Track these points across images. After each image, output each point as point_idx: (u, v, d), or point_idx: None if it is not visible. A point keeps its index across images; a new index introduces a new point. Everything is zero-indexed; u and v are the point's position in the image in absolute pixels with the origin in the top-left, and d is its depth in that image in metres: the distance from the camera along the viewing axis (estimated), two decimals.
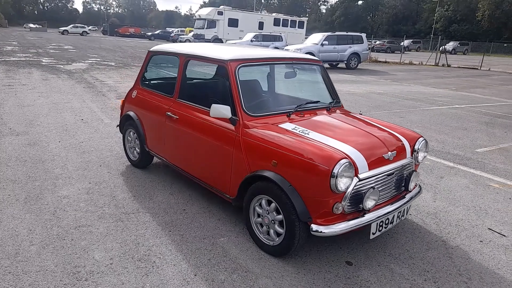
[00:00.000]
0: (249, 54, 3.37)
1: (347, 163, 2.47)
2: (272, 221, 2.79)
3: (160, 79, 4.56)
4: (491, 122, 8.21)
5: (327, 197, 2.50)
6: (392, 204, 2.86)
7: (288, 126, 2.98)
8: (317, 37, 19.88)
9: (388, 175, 2.83)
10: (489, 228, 3.47)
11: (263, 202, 2.83)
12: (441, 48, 28.03)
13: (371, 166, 2.68)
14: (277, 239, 2.79)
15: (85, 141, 5.40)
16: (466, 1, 55.42)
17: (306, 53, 18.69)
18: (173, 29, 58.77)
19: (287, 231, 2.66)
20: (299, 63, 3.69)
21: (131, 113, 4.34)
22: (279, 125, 2.99)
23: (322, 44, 19.05)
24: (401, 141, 3.05)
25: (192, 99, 3.57)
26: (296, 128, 2.92)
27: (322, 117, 3.31)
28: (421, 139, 3.18)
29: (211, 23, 33.10)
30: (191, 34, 45.04)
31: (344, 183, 2.48)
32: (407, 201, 2.98)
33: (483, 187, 4.45)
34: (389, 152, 2.84)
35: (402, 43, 37.66)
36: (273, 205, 2.75)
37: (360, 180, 2.59)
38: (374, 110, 8.85)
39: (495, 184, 4.57)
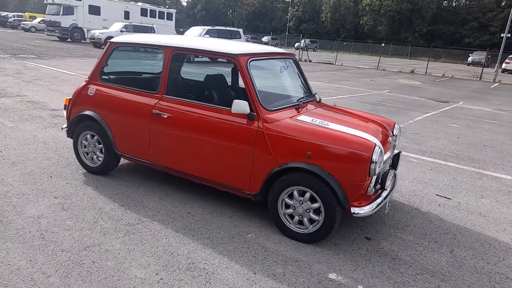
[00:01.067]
0: (253, 48, 3.37)
1: (380, 149, 2.79)
2: (307, 210, 2.92)
3: (131, 74, 4.11)
4: (374, 109, 9.70)
5: (364, 181, 2.78)
6: None
7: (305, 118, 3.13)
8: (197, 31, 19.86)
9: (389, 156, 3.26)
10: (436, 195, 4.26)
11: (295, 193, 2.94)
12: (302, 45, 31.06)
13: (385, 150, 3.06)
14: (311, 226, 2.95)
15: (3, 150, 4.47)
16: (312, 3, 62.34)
17: None
18: (7, 13, 49.57)
19: (327, 217, 2.85)
20: (286, 58, 3.83)
21: (90, 113, 3.81)
22: (298, 118, 3.12)
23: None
24: (386, 127, 3.53)
25: (187, 95, 3.39)
26: (314, 120, 3.10)
27: (321, 110, 3.56)
28: (396, 125, 3.72)
29: (68, 9, 29.52)
30: (38, 20, 39.25)
31: (378, 167, 2.79)
32: (396, 179, 3.49)
33: (408, 163, 5.36)
34: (389, 137, 3.27)
35: (263, 39, 40.48)
36: (307, 194, 2.89)
37: (384, 163, 2.94)
38: None
39: (414, 160, 5.55)
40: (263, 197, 3.09)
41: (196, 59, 11.38)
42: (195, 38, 3.69)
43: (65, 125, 4.16)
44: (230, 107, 3.10)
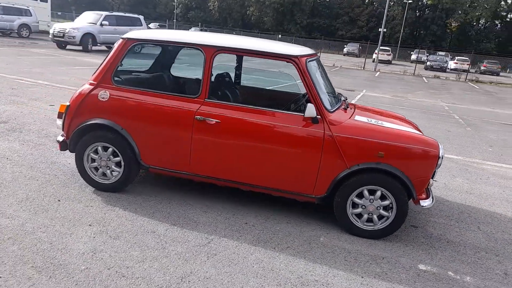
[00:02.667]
0: (303, 49, 3.30)
1: (442, 146, 3.06)
2: (378, 207, 3.05)
3: (156, 76, 3.57)
4: None
5: (430, 175, 3.03)
6: None
7: (362, 118, 3.23)
8: (92, 17, 17.92)
9: None
10: None
11: (365, 192, 3.03)
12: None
13: None
14: (380, 223, 3.09)
15: None
16: None
17: (85, 33, 16.76)
18: None
19: (398, 213, 3.02)
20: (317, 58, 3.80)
21: (104, 122, 3.27)
22: (355, 119, 3.20)
23: (101, 24, 17.40)
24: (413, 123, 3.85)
25: (236, 99, 3.17)
26: (370, 120, 3.22)
27: (362, 109, 3.68)
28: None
29: None
30: None
31: (441, 162, 3.06)
32: None
33: None
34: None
35: (149, 25, 38.53)
36: (378, 193, 3.01)
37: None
38: None
39: None
40: (329, 199, 3.11)
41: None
42: (239, 37, 3.41)
43: (60, 137, 3.48)
44: (285, 110, 3.05)
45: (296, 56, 3.04)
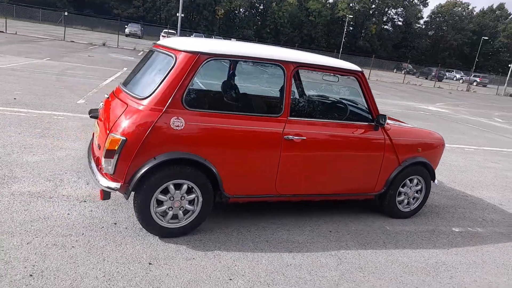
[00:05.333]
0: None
1: None
2: (416, 192, 3.81)
3: (232, 94, 2.96)
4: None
5: (439, 160, 4.00)
6: None
7: (392, 122, 3.87)
8: None
9: None
10: None
11: (407, 182, 3.73)
12: None
13: None
14: (413, 203, 3.86)
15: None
16: None
17: None
18: None
19: (426, 194, 3.87)
20: None
21: (184, 155, 2.72)
22: (390, 122, 3.79)
23: None
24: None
25: (314, 114, 3.23)
26: (396, 123, 3.90)
27: None
28: None
29: None
30: None
31: None
32: None
33: None
34: None
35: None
36: (415, 181, 3.78)
37: None
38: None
39: None
40: (384, 193, 3.64)
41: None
42: (310, 53, 3.29)
43: (114, 183, 2.62)
44: (356, 121, 3.40)
45: (359, 71, 3.36)
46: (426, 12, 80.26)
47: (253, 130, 2.93)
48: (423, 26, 65.59)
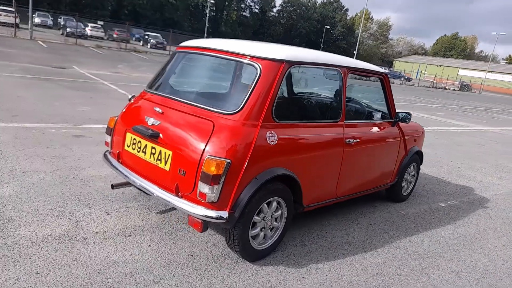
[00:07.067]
0: None
1: None
2: (412, 176, 4.33)
3: (301, 102, 2.70)
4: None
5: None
6: None
7: None
8: None
9: None
10: None
11: (410, 169, 4.22)
12: None
13: None
14: (410, 187, 4.38)
15: None
16: None
17: None
18: None
19: (417, 174, 4.43)
20: None
21: (280, 171, 2.55)
22: None
23: None
24: None
25: (357, 116, 3.36)
26: None
27: None
28: None
29: None
30: None
31: None
32: None
33: None
34: None
35: None
36: (411, 167, 4.28)
37: None
38: None
39: None
40: (397, 181, 4.03)
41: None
42: (347, 57, 3.25)
43: (219, 212, 2.28)
44: (381, 120, 3.69)
45: (386, 73, 3.60)
46: (278, 1, 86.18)
47: (324, 137, 2.91)
48: (277, 15, 70.60)
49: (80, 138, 4.87)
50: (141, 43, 36.23)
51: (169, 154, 2.48)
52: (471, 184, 5.51)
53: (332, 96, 3.32)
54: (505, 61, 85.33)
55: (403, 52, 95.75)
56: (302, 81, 3.98)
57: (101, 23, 35.73)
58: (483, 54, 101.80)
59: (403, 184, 4.21)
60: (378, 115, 3.80)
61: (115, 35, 35.66)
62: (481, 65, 71.30)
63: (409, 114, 3.70)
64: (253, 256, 2.61)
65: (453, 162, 6.74)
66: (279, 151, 2.53)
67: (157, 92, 2.86)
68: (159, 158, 2.54)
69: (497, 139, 10.46)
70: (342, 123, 3.10)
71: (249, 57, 2.57)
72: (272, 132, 2.50)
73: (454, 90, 44.24)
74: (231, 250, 2.67)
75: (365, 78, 3.93)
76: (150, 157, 2.60)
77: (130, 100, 3.13)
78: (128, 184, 3.07)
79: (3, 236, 2.50)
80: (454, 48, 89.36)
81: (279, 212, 2.70)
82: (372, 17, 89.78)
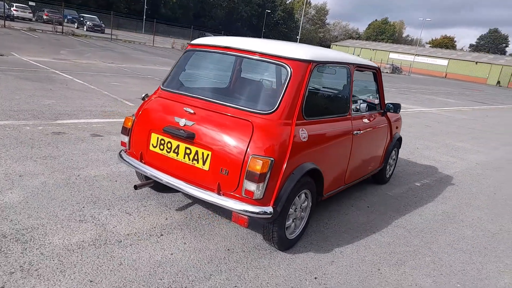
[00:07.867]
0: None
1: None
2: (392, 160, 4.73)
3: (321, 100, 2.82)
4: None
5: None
6: None
7: None
8: None
9: None
10: None
11: (393, 153, 4.61)
12: None
13: None
14: (392, 169, 4.79)
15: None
16: None
17: None
18: None
19: (397, 156, 4.85)
20: None
21: (311, 165, 2.72)
22: None
23: None
24: None
25: (357, 109, 3.61)
26: None
27: None
28: None
29: None
30: None
31: None
32: None
33: None
34: None
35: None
36: (393, 152, 4.68)
37: None
38: None
39: None
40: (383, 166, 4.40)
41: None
42: (351, 55, 3.42)
43: (264, 208, 2.41)
44: (374, 110, 3.99)
45: (378, 67, 3.88)
46: None
47: (338, 131, 3.12)
48: None
49: (61, 136, 4.62)
50: (75, 25, 33.66)
51: (207, 154, 2.53)
52: (433, 163, 6.11)
53: (342, 92, 3.53)
54: (429, 45, 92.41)
55: (339, 37, 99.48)
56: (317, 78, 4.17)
57: (33, 3, 32.59)
58: (409, 39, 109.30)
59: (387, 168, 4.59)
60: (372, 106, 4.10)
61: (45, 17, 32.77)
62: (408, 48, 76.56)
63: (399, 104, 4.04)
64: (287, 245, 2.78)
65: (411, 143, 7.38)
66: (308, 147, 2.70)
67: (181, 92, 2.85)
68: (196, 158, 2.58)
69: (438, 120, 11.50)
70: (350, 116, 3.33)
71: (278, 57, 2.67)
72: (303, 129, 2.65)
73: (387, 72, 47.08)
74: (264, 242, 2.81)
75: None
76: (184, 158, 2.63)
77: (143, 99, 3.09)
78: (150, 183, 3.06)
79: (35, 246, 2.41)
80: (385, 32, 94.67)
81: (306, 203, 2.88)
82: (310, 1, 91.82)
